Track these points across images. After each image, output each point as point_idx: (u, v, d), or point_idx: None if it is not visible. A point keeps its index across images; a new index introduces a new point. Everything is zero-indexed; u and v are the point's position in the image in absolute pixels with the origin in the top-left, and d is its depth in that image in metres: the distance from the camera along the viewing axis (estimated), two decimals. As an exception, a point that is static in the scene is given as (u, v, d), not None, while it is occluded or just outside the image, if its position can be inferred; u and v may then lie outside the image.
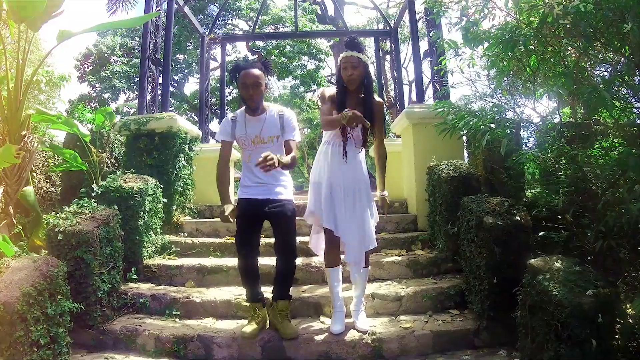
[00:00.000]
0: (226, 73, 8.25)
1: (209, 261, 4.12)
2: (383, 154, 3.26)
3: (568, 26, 2.64)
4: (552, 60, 3.04)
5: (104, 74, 18.18)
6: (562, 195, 2.99)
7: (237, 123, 3.12)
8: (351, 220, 3.04)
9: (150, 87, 6.18)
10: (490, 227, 3.03)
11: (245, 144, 3.12)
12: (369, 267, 3.29)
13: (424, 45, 6.40)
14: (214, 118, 13.60)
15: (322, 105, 3.12)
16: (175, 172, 4.98)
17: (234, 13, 16.45)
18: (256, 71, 2.99)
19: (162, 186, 4.51)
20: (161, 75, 6.32)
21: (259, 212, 3.06)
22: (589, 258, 2.81)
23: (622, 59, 2.81)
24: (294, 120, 3.16)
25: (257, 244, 3.20)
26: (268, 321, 3.17)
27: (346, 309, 3.21)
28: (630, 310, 2.50)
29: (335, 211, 3.03)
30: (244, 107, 3.13)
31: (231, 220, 3.04)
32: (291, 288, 3.22)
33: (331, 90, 3.15)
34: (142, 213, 4.04)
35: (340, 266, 3.17)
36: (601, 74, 3.17)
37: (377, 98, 3.19)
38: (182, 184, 5.12)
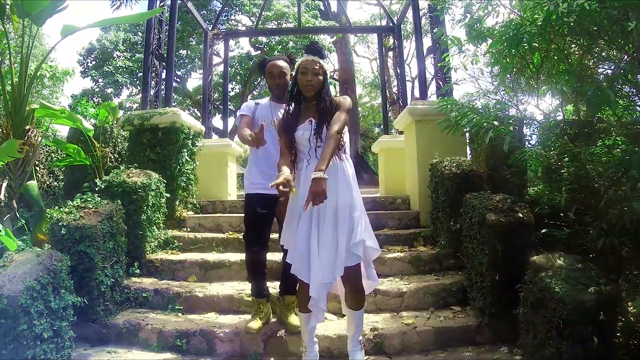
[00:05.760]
0: (233, 67, 7.97)
1: (212, 256, 4.14)
2: (333, 134, 2.46)
3: (572, 24, 2.63)
4: (556, 57, 3.03)
5: (107, 69, 18.21)
6: (564, 192, 2.98)
7: (261, 106, 3.18)
8: (315, 255, 2.43)
9: (153, 82, 6.18)
10: (493, 224, 3.03)
11: (265, 124, 2.82)
12: (365, 307, 2.71)
13: (427, 42, 6.36)
14: (217, 113, 13.63)
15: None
16: (179, 167, 4.99)
17: (237, 9, 16.44)
18: (282, 63, 3.14)
19: (165, 181, 4.52)
20: (164, 71, 6.30)
21: (271, 207, 2.97)
22: (591, 256, 2.81)
23: (626, 56, 2.80)
24: None
25: (267, 240, 3.20)
26: (272, 316, 3.19)
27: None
28: (631, 308, 2.50)
29: (300, 248, 2.49)
30: (268, 97, 3.27)
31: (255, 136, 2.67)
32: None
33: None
34: (145, 208, 4.05)
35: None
36: (605, 72, 3.15)
37: (336, 98, 2.68)
38: (185, 179, 5.13)
